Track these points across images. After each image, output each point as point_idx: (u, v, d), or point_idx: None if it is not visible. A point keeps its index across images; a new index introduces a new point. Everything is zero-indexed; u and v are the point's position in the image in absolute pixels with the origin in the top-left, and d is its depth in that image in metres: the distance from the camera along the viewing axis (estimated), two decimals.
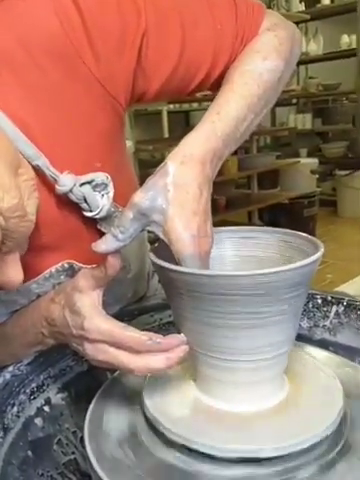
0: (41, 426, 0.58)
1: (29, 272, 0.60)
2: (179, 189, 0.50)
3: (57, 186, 0.57)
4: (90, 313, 0.50)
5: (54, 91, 0.56)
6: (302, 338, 0.63)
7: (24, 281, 0.55)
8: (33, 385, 0.59)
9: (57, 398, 0.61)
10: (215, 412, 0.49)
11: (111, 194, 0.59)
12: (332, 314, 0.68)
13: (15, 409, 0.56)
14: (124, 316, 0.70)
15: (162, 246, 0.52)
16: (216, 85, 0.65)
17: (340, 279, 1.72)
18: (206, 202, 0.51)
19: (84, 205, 0.59)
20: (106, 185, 0.59)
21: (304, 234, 0.52)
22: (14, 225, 0.45)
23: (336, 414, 0.47)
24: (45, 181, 0.57)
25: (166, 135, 3.92)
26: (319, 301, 0.69)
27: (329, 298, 0.69)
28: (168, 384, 0.53)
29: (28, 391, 0.58)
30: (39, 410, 0.59)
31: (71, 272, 0.62)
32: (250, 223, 3.69)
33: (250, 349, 0.47)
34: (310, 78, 5.20)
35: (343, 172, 4.29)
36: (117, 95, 0.60)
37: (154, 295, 0.83)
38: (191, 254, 0.48)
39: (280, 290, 0.44)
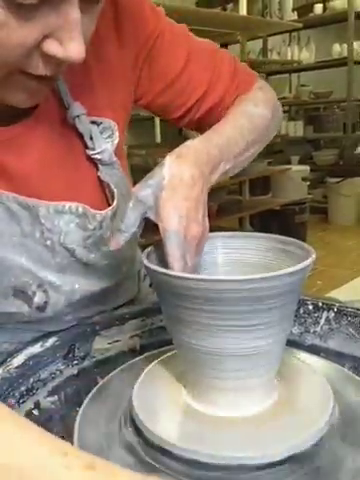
0: None
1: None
2: (173, 176, 0.53)
3: (68, 111, 0.62)
4: None
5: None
6: (293, 344, 0.63)
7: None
8: (22, 388, 0.58)
9: (46, 402, 0.60)
10: (205, 417, 0.48)
11: (116, 141, 0.65)
12: (323, 320, 0.68)
13: None
14: (115, 320, 0.70)
15: (154, 250, 0.52)
16: (200, 122, 0.75)
17: (330, 286, 1.73)
18: (199, 193, 0.54)
19: (89, 142, 0.63)
20: (113, 132, 0.64)
21: (296, 240, 0.53)
22: None
23: (326, 420, 0.47)
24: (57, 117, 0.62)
25: (158, 140, 3.92)
26: (310, 307, 0.69)
27: (320, 304, 0.69)
28: (158, 389, 0.53)
29: (17, 394, 0.58)
30: (28, 414, 0.58)
31: (83, 221, 0.62)
32: (241, 229, 3.70)
33: (240, 354, 0.47)
34: (302, 86, 5.24)
35: (334, 179, 4.32)
36: (133, 77, 0.68)
37: (145, 299, 0.83)
38: (175, 231, 0.50)
39: (271, 296, 0.44)
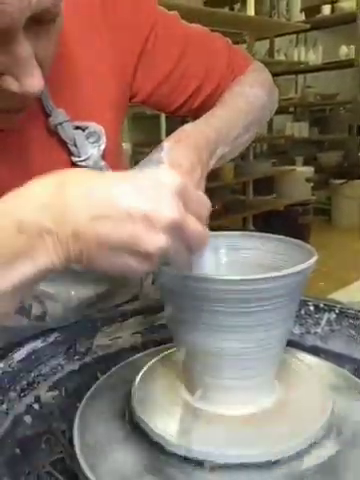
0: (30, 424, 0.58)
1: None
2: (172, 162, 0.52)
3: (50, 119, 0.59)
4: None
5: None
6: (293, 344, 0.63)
7: None
8: (23, 382, 0.59)
9: (47, 396, 0.61)
10: (204, 416, 0.49)
11: (102, 147, 0.62)
12: (324, 321, 0.68)
13: (4, 406, 0.56)
14: (117, 317, 0.70)
15: None
16: (198, 111, 0.73)
17: (332, 288, 1.72)
18: (199, 181, 0.53)
19: (73, 148, 0.61)
20: (99, 137, 0.61)
21: (298, 241, 0.53)
22: None
23: (324, 420, 0.47)
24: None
25: (163, 138, 3.92)
26: (311, 308, 0.69)
27: (321, 305, 0.69)
28: (158, 387, 0.53)
29: (18, 388, 0.58)
30: (29, 408, 0.58)
31: None
32: (244, 229, 3.69)
33: (240, 354, 0.47)
34: (308, 87, 5.23)
35: (338, 181, 4.31)
36: (128, 73, 0.66)
37: (148, 296, 0.84)
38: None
39: (272, 296, 0.44)
